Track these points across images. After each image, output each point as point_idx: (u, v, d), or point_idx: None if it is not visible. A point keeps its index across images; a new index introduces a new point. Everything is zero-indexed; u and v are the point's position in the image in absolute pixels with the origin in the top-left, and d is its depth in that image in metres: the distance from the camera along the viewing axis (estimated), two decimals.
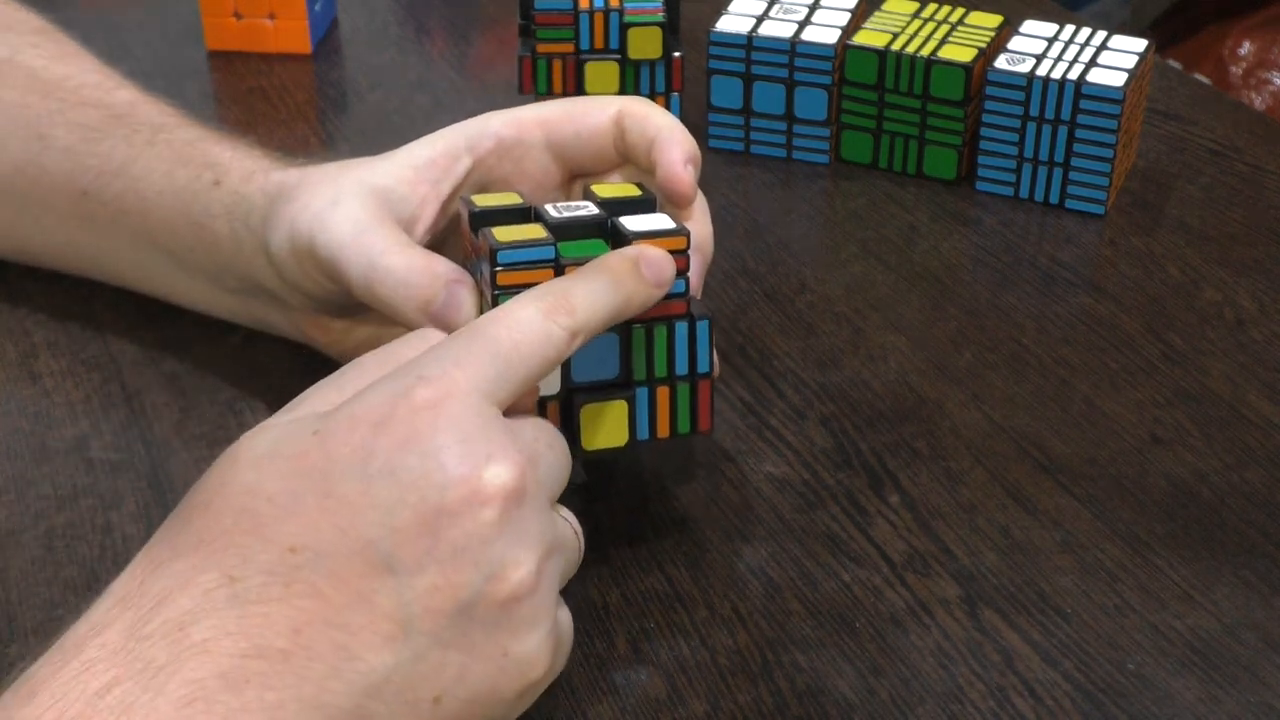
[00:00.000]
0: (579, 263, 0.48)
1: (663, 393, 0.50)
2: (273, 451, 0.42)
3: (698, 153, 0.55)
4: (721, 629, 0.51)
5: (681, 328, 0.50)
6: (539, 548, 0.43)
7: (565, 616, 0.45)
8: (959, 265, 0.71)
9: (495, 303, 0.47)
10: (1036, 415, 0.61)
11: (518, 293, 0.46)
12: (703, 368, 0.51)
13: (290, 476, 0.41)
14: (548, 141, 0.56)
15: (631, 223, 0.50)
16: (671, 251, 0.49)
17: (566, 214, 0.50)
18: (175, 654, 0.39)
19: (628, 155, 0.56)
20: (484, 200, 0.52)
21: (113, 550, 0.54)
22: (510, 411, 0.44)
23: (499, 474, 0.42)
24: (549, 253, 0.48)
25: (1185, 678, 0.49)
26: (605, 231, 0.50)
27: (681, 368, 0.50)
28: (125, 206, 0.61)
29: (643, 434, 0.50)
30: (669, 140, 0.54)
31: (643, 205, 0.52)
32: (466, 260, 0.52)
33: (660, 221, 0.50)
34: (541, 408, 0.49)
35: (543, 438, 0.45)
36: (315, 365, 0.62)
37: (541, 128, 0.56)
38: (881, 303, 0.68)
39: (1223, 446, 0.59)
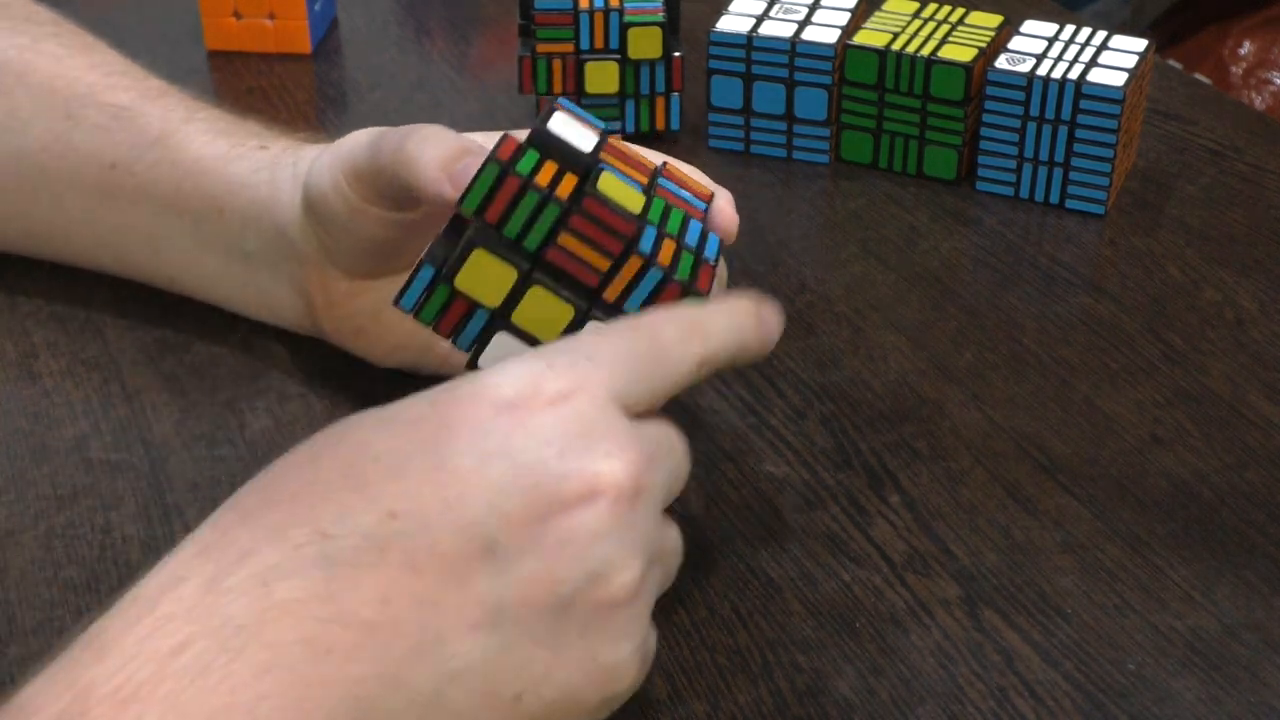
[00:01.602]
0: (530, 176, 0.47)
1: (669, 243, 0.49)
2: (390, 415, 0.41)
3: None
4: (721, 629, 0.51)
5: (696, 224, 0.51)
6: (646, 553, 0.41)
7: (653, 632, 0.43)
8: (959, 265, 0.71)
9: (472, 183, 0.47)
10: (1036, 415, 0.61)
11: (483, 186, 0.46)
12: (709, 255, 0.50)
13: (402, 439, 0.40)
14: None
15: (609, 185, 0.49)
16: (614, 231, 0.48)
17: (569, 139, 0.49)
18: (257, 613, 0.37)
19: None
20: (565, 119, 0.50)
21: (113, 550, 0.54)
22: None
23: (616, 470, 0.40)
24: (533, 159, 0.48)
25: (1185, 678, 0.49)
26: (586, 173, 0.49)
27: (690, 240, 0.50)
28: (156, 175, 0.62)
29: (645, 247, 0.48)
30: (719, 195, 0.54)
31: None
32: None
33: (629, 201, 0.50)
34: (470, 309, 0.48)
35: (665, 441, 0.43)
36: (315, 366, 0.62)
37: None
38: (881, 303, 0.68)
39: (1223, 446, 0.59)
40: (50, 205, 0.65)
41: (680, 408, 0.59)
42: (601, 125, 0.51)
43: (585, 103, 0.77)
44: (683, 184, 0.53)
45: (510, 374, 0.41)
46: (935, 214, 0.75)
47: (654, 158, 0.55)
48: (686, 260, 0.49)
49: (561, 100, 0.51)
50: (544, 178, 0.47)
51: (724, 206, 0.53)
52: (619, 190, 0.48)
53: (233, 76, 0.87)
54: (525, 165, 0.47)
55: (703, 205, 0.52)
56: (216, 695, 0.36)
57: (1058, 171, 0.74)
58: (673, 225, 0.50)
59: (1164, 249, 0.72)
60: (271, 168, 0.60)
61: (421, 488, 0.39)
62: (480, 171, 0.47)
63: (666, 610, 0.52)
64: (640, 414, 0.43)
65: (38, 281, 0.68)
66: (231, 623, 0.37)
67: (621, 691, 0.42)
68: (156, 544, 0.54)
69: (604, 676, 0.41)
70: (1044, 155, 0.74)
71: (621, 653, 0.41)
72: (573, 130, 0.49)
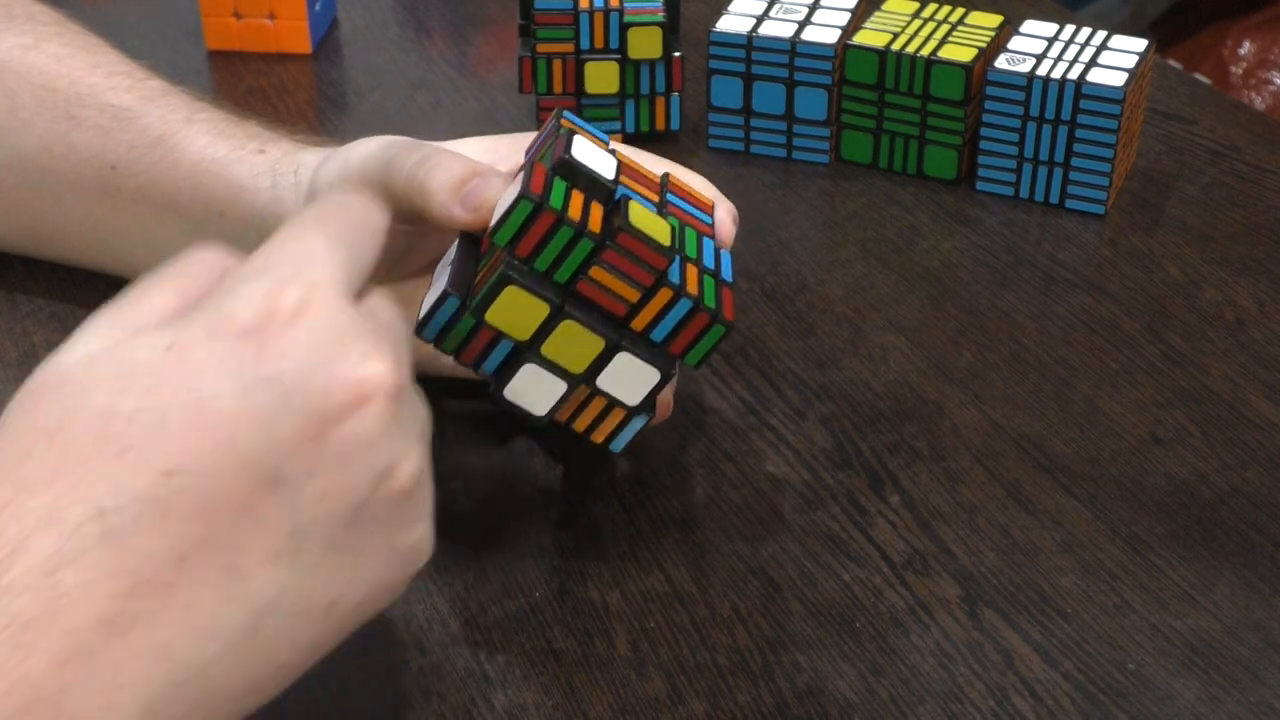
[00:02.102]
0: (556, 211, 0.48)
1: (692, 269, 0.49)
2: (121, 370, 0.39)
3: None
4: (721, 629, 0.51)
5: (708, 241, 0.51)
6: (421, 437, 0.41)
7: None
8: (959, 265, 0.71)
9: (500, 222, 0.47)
10: (1036, 415, 0.61)
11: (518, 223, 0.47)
12: (725, 276, 0.51)
13: (151, 393, 0.38)
14: None
15: (636, 216, 0.49)
16: (647, 264, 0.48)
17: (591, 167, 0.49)
18: (46, 605, 0.35)
19: None
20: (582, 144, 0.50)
21: None
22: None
23: (378, 370, 0.39)
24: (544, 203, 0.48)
25: (1185, 678, 0.49)
26: (609, 200, 0.50)
27: (708, 262, 0.50)
28: (156, 177, 0.62)
29: (674, 277, 0.49)
30: (720, 204, 0.55)
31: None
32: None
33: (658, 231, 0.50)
34: (495, 339, 0.48)
35: (397, 318, 0.43)
36: None
37: None
38: (881, 303, 0.68)
39: (1223, 446, 0.59)
40: (51, 205, 0.65)
41: (681, 408, 0.59)
42: (605, 138, 0.51)
43: (585, 103, 0.78)
44: (688, 197, 0.53)
45: (241, 297, 0.40)
46: (935, 214, 0.75)
47: (653, 164, 0.55)
48: (710, 286, 0.49)
49: (567, 114, 0.51)
50: (575, 211, 0.47)
51: (724, 220, 0.53)
52: (648, 221, 0.48)
53: (233, 76, 0.87)
54: (556, 199, 0.47)
55: (708, 219, 0.53)
56: (12, 698, 0.35)
57: (1058, 171, 0.74)
58: (690, 248, 0.50)
59: (1164, 249, 0.72)
60: (272, 173, 0.60)
61: (189, 438, 0.38)
62: (513, 208, 0.47)
63: (667, 610, 0.52)
64: (360, 292, 0.42)
65: (38, 281, 0.68)
66: (18, 620, 0.35)
67: (422, 565, 0.43)
68: None
69: (405, 560, 0.42)
70: (1044, 155, 0.74)
71: (417, 533, 0.42)
72: (592, 154, 0.49)
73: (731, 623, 0.51)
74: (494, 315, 0.48)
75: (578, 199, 0.48)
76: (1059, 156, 0.73)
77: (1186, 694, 0.49)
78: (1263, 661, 0.50)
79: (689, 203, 0.53)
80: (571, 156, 0.48)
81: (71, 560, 0.36)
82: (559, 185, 0.48)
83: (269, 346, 0.39)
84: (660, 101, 0.78)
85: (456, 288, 0.48)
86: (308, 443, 0.39)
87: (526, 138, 0.57)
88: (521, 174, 0.49)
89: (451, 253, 0.51)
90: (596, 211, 0.48)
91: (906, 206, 0.75)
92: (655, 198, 0.51)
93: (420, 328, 0.49)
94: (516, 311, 0.48)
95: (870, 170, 0.78)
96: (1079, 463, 0.58)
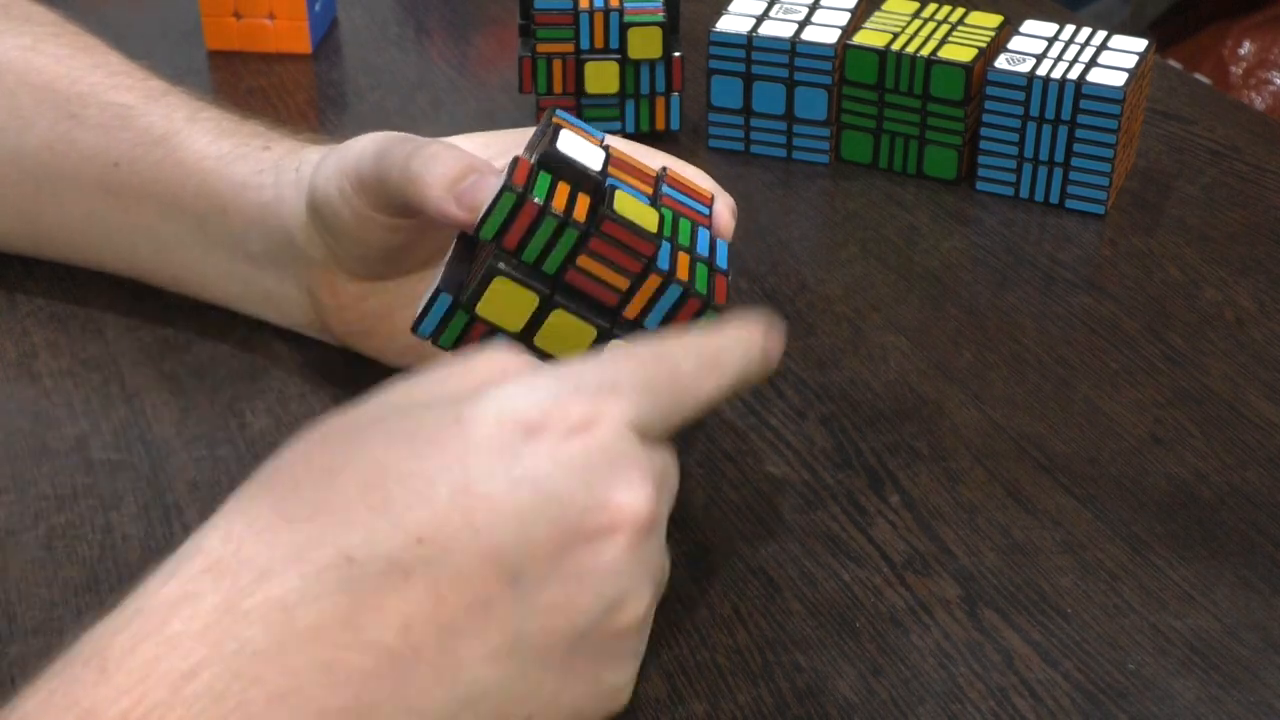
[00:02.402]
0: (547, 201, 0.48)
1: (683, 257, 0.49)
2: (406, 429, 0.40)
3: None
4: (721, 629, 0.51)
5: (704, 231, 0.51)
6: (656, 582, 0.42)
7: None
8: (959, 265, 0.71)
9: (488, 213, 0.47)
10: (1036, 415, 0.61)
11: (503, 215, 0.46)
12: (720, 264, 0.50)
13: (428, 459, 0.39)
14: None
15: (623, 204, 0.49)
16: (635, 251, 0.48)
17: (579, 160, 0.49)
18: (276, 639, 0.36)
19: None
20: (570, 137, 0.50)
21: (113, 550, 0.54)
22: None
23: (637, 503, 0.40)
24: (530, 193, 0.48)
25: (1185, 678, 0.49)
26: (598, 191, 0.49)
27: (701, 250, 0.50)
28: (160, 175, 0.62)
29: (663, 263, 0.48)
30: (719, 197, 0.55)
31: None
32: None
33: (647, 218, 0.50)
34: (490, 332, 0.48)
35: (670, 469, 0.44)
36: (315, 366, 0.62)
37: None
38: (881, 303, 0.68)
39: (1223, 446, 0.59)
40: (53, 204, 0.65)
41: None
42: (600, 135, 0.51)
43: (585, 103, 0.78)
44: (685, 189, 0.53)
45: (535, 394, 0.41)
46: (935, 214, 0.75)
47: (653, 160, 0.55)
48: (702, 272, 0.49)
49: (559, 112, 0.51)
50: (560, 202, 0.47)
51: (722, 212, 0.53)
52: (634, 208, 0.48)
53: (233, 76, 0.87)
54: (540, 190, 0.47)
55: (705, 210, 0.53)
56: None
57: (1058, 171, 0.74)
58: (684, 236, 0.50)
59: (1164, 249, 0.72)
60: (275, 170, 0.60)
61: (450, 513, 0.38)
62: (497, 200, 0.47)
63: (666, 610, 0.52)
64: (651, 441, 0.43)
65: (38, 281, 0.68)
66: (248, 648, 0.36)
67: (618, 708, 0.43)
68: (156, 544, 0.54)
69: (606, 697, 0.42)
70: (1044, 155, 0.74)
71: (624, 675, 0.42)
72: (579, 147, 0.49)
73: (731, 623, 0.51)
74: (485, 308, 0.48)
75: (563, 190, 0.48)
76: (1059, 156, 0.73)
77: (1186, 694, 0.49)
78: (1263, 661, 0.50)
79: (686, 194, 0.53)
80: (555, 149, 0.48)
81: (309, 601, 0.37)
82: (543, 177, 0.48)
83: (546, 448, 0.40)
84: (660, 101, 0.78)
85: (449, 285, 0.48)
86: (554, 552, 0.39)
87: (523, 133, 0.57)
88: (506, 168, 0.49)
89: (450, 250, 0.51)
90: (583, 202, 0.48)
91: (906, 206, 0.75)
92: (648, 189, 0.51)
93: (416, 325, 0.49)
94: (507, 303, 0.48)
95: (870, 170, 0.78)
96: (1079, 463, 0.58)
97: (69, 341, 0.64)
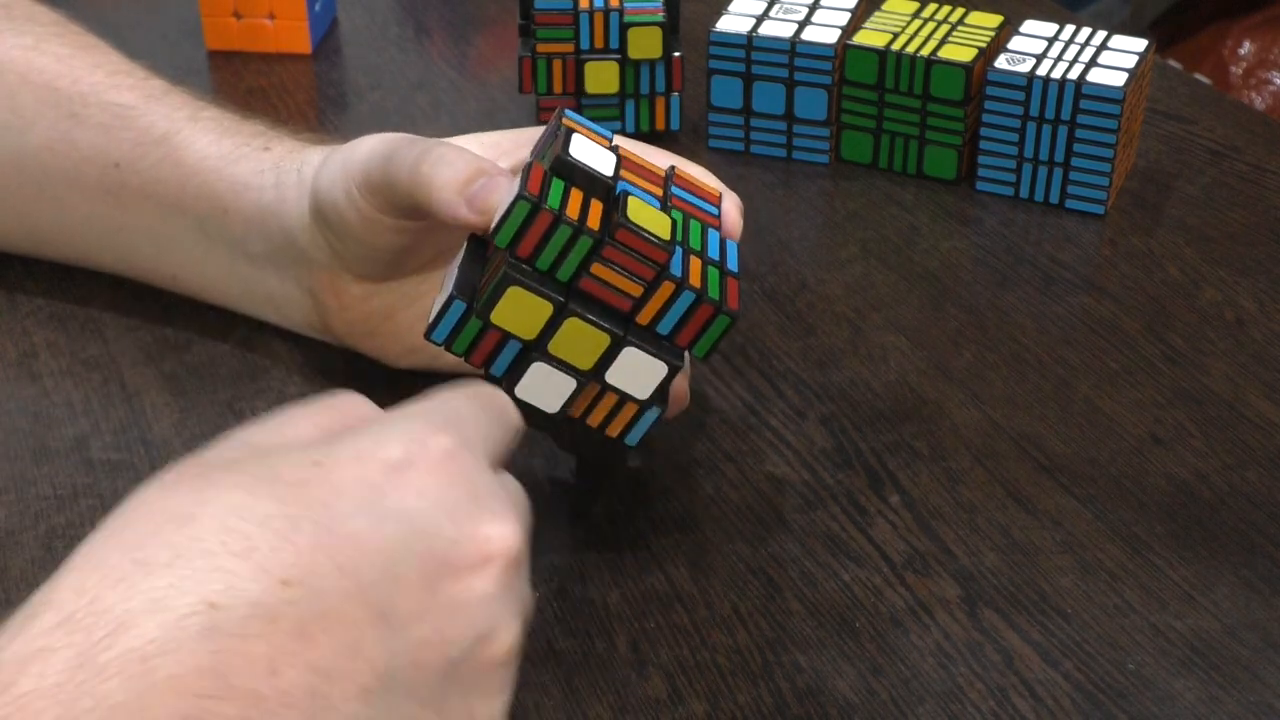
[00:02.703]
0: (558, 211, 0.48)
1: (695, 261, 0.49)
2: (262, 475, 0.39)
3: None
4: (721, 629, 0.51)
5: (714, 233, 0.51)
6: (524, 613, 0.42)
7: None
8: (959, 265, 0.71)
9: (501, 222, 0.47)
10: (1036, 415, 0.61)
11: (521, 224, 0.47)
12: (731, 267, 0.50)
13: (289, 502, 0.38)
14: None
15: (636, 211, 0.49)
16: (648, 259, 0.48)
17: (588, 163, 0.49)
18: (135, 693, 0.34)
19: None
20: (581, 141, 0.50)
21: None
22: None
23: (505, 536, 0.40)
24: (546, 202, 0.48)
25: (1185, 678, 0.49)
26: (609, 197, 0.49)
27: (712, 253, 0.50)
28: (161, 175, 0.62)
29: (676, 270, 0.48)
30: (725, 197, 0.54)
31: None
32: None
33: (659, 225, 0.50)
34: (503, 339, 0.48)
35: (524, 498, 0.44)
36: (315, 366, 0.62)
37: None
38: (881, 303, 0.68)
39: (1223, 446, 0.59)
40: (54, 204, 0.65)
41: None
42: (609, 134, 0.51)
43: (585, 103, 0.78)
44: (694, 189, 0.53)
45: (394, 433, 0.41)
46: (935, 214, 0.75)
47: (660, 159, 0.55)
48: (714, 277, 0.49)
49: (569, 113, 0.51)
50: (574, 209, 0.47)
51: (730, 211, 0.53)
52: (647, 215, 0.48)
53: (233, 76, 0.87)
54: (554, 198, 0.47)
55: (715, 210, 0.53)
56: None
57: (1058, 171, 0.74)
58: (694, 240, 0.50)
59: (1164, 249, 0.72)
60: (276, 171, 0.60)
61: (315, 554, 0.37)
62: (511, 208, 0.47)
63: (667, 610, 0.52)
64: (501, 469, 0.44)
65: (38, 281, 0.68)
66: (105, 702, 0.34)
67: None
68: None
69: None
70: (1044, 155, 0.74)
71: (496, 707, 0.41)
72: (591, 151, 0.49)
73: (731, 623, 0.51)
74: (499, 316, 0.48)
75: (576, 197, 0.48)
76: (1059, 156, 0.73)
77: (1186, 694, 0.49)
78: (1263, 661, 0.50)
79: (695, 195, 0.53)
80: (568, 155, 0.48)
81: (169, 650, 0.35)
82: (556, 184, 0.48)
83: (410, 484, 0.39)
84: (660, 101, 0.78)
85: (462, 291, 0.48)
86: (423, 587, 0.39)
87: (528, 132, 0.57)
88: (520, 174, 0.49)
89: (461, 253, 0.51)
90: (596, 209, 0.48)
91: (906, 206, 0.75)
92: (659, 192, 0.51)
93: (429, 331, 0.49)
94: (521, 311, 0.48)
95: (870, 170, 0.78)
96: (1079, 463, 0.58)
97: (69, 341, 0.64)
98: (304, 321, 0.62)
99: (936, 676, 0.49)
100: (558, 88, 0.77)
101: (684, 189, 0.52)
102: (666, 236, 0.48)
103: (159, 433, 0.59)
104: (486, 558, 0.40)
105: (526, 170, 0.48)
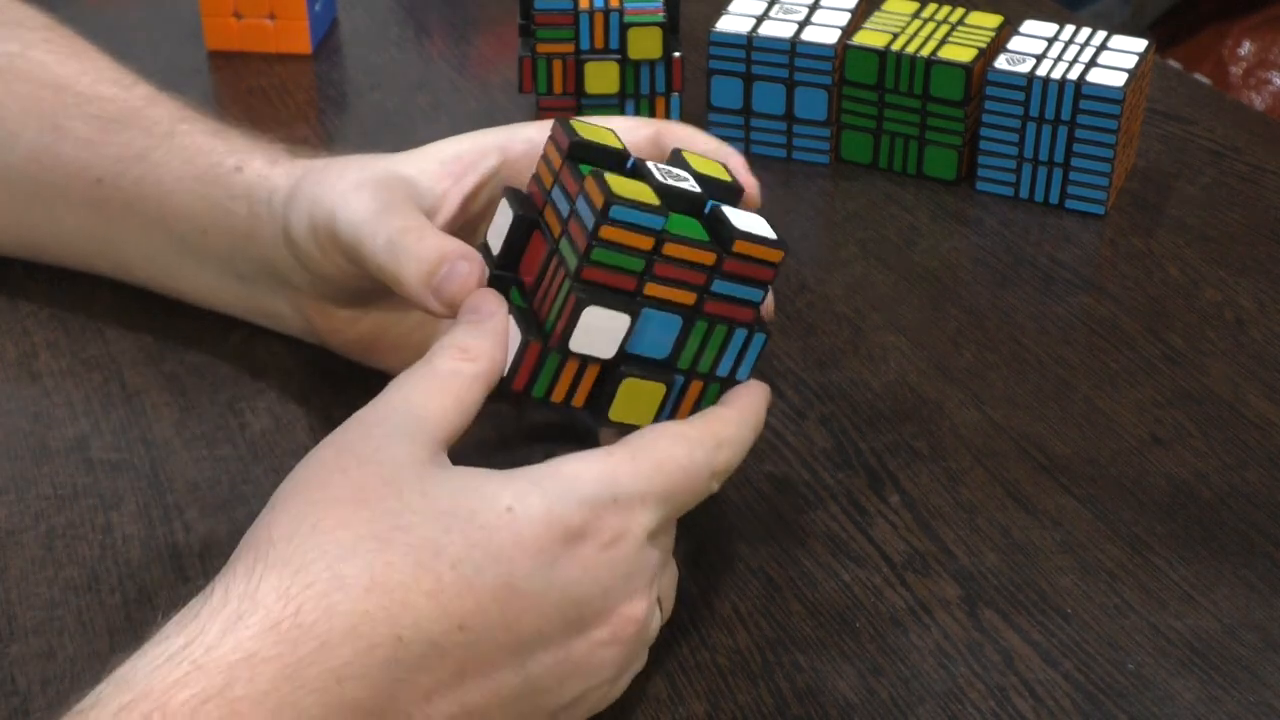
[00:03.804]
0: (679, 240, 0.47)
1: (695, 386, 0.49)
2: (456, 508, 0.42)
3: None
4: (721, 629, 0.51)
5: (740, 334, 0.49)
6: (628, 673, 0.47)
7: None
8: (959, 265, 0.71)
9: (588, 251, 0.46)
10: (1036, 415, 0.61)
11: (611, 248, 0.46)
12: (741, 376, 0.50)
13: (477, 548, 0.42)
14: None
15: (736, 219, 0.48)
16: (766, 262, 0.48)
17: (671, 181, 0.48)
18: (328, 709, 0.39)
19: None
20: (584, 130, 0.49)
21: (113, 550, 0.54)
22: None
23: (636, 614, 0.45)
24: (658, 223, 0.46)
25: (1185, 678, 0.49)
26: (701, 212, 0.49)
27: (723, 370, 0.49)
28: (141, 192, 0.61)
29: (664, 417, 0.49)
30: (729, 157, 0.54)
31: (731, 193, 0.51)
32: (540, 183, 0.50)
33: (760, 225, 0.49)
34: (582, 365, 0.48)
35: (671, 573, 0.48)
36: (315, 366, 0.62)
37: None
38: (881, 303, 0.68)
39: (1223, 446, 0.59)
40: (44, 215, 0.64)
41: None
42: (658, 224, 0.47)
43: (585, 103, 0.77)
44: (743, 272, 0.49)
45: (577, 502, 0.44)
46: (935, 214, 0.75)
47: (646, 137, 0.54)
48: (713, 392, 0.49)
49: (568, 135, 0.49)
50: (566, 385, 0.48)
51: (750, 186, 0.53)
52: (635, 393, 0.48)
53: (233, 76, 0.87)
54: (548, 373, 0.48)
55: (759, 295, 0.49)
56: None
57: (1057, 171, 0.74)
58: (707, 359, 0.49)
59: (1164, 249, 0.72)
60: (247, 199, 0.58)
61: (491, 605, 0.42)
62: (541, 363, 0.47)
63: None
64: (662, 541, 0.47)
65: (38, 282, 0.68)
66: (303, 716, 0.39)
67: None
68: (156, 544, 0.54)
69: None
70: (1044, 155, 0.74)
71: None
72: (597, 333, 0.47)
73: (731, 623, 0.51)
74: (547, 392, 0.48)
75: (572, 366, 0.48)
76: (1059, 157, 0.73)
77: (1186, 694, 0.49)
78: (1263, 661, 0.50)
79: (742, 279, 0.49)
80: (568, 348, 0.47)
81: (358, 676, 0.40)
82: (553, 358, 0.47)
83: (577, 559, 0.43)
84: (660, 102, 0.78)
85: (526, 334, 0.48)
86: (561, 646, 0.43)
87: (515, 129, 0.56)
88: (523, 323, 0.48)
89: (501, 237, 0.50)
90: (592, 374, 0.48)
91: (906, 206, 0.75)
92: (688, 300, 0.48)
93: (508, 385, 0.48)
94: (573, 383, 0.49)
95: (870, 170, 0.78)
96: (1079, 463, 0.58)
97: (69, 341, 0.64)
98: (300, 333, 0.62)
99: (936, 676, 0.49)
100: (558, 88, 0.77)
101: (733, 276, 0.49)
102: (654, 409, 0.49)
103: (159, 433, 0.59)
104: (616, 635, 0.44)
105: (522, 351, 0.47)
